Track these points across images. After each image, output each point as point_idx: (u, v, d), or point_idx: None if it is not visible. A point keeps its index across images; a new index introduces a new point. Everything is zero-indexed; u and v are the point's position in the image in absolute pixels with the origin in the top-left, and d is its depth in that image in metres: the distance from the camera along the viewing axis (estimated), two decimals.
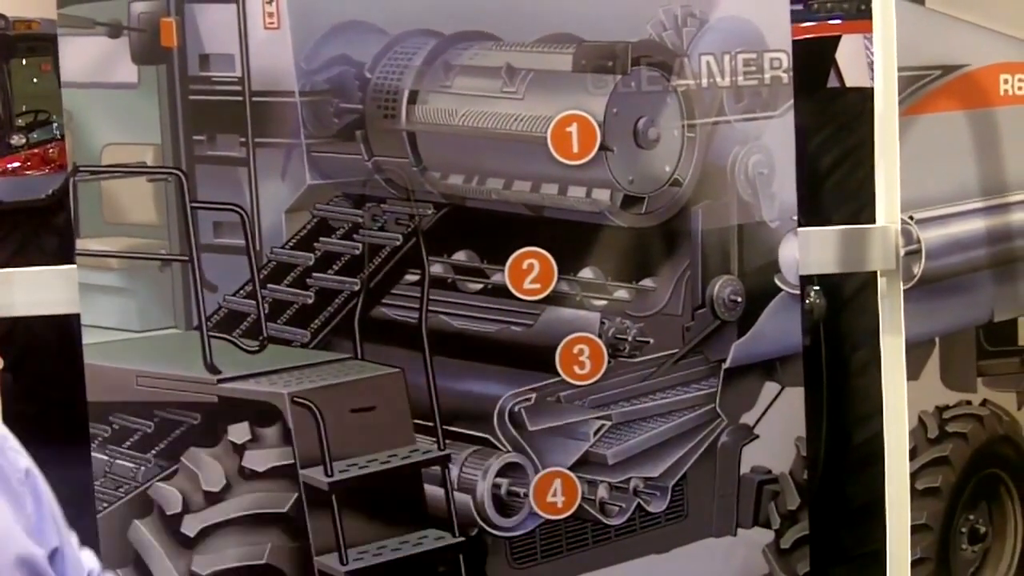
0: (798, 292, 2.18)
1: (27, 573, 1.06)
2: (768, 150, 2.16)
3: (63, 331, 4.13)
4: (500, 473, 2.09)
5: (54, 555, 1.13)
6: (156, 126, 2.03)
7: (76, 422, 2.40)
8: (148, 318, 2.05)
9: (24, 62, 5.49)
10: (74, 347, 4.18)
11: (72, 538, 1.18)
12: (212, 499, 2.03)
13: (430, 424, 2.09)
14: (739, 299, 2.15)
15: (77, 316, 2.05)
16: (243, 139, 2.03)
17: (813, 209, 2.74)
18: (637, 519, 2.15)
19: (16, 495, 1.11)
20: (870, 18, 2.32)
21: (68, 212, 4.98)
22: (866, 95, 2.94)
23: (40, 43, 5.22)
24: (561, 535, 2.13)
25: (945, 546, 2.40)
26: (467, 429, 2.10)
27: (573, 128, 2.05)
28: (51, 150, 4.92)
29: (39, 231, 4.96)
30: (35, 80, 5.56)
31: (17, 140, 5.34)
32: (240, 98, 2.03)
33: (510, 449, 2.09)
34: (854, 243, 2.25)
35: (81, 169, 2.03)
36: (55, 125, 5.32)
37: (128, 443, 2.04)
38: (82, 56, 2.03)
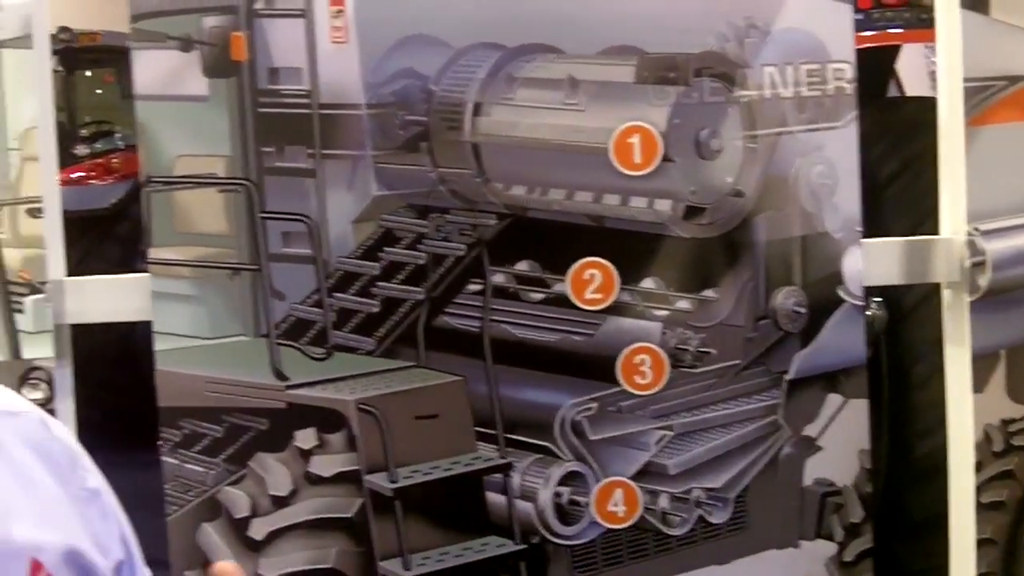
0: (862, 303, 2.17)
1: (76, 569, 1.09)
2: (831, 161, 2.16)
3: (124, 338, 4.21)
4: (561, 482, 2.11)
5: (120, 568, 1.16)
6: (226, 138, 2.07)
7: (137, 428, 2.45)
8: (218, 325, 2.09)
9: (88, 74, 5.60)
10: (134, 354, 4.26)
11: (139, 559, 1.21)
12: (279, 503, 2.07)
13: (492, 432, 2.11)
14: (802, 310, 2.15)
15: (139, 324, 2.10)
16: (311, 151, 2.07)
17: (872, 219, 2.73)
18: (698, 529, 2.16)
19: (81, 505, 1.14)
20: (931, 27, 2.31)
21: (131, 222, 5.08)
22: (927, 105, 2.93)
23: (104, 55, 5.32)
24: (622, 544, 2.14)
25: (1010, 561, 2.38)
26: (528, 437, 2.12)
27: (635, 139, 2.06)
28: (114, 160, 5.01)
29: (102, 240, 5.06)
30: (98, 91, 5.67)
31: (81, 150, 5.45)
32: (308, 111, 2.07)
33: (571, 458, 2.11)
34: (919, 255, 2.25)
35: (153, 180, 2.09)
36: (118, 136, 5.42)
37: (197, 447, 2.09)
38: (154, 69, 2.09)
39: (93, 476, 1.17)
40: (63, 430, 1.18)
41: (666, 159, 2.07)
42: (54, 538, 1.07)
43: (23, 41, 2.25)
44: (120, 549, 1.16)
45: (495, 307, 2.10)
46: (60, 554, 1.07)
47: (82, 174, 5.40)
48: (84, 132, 5.48)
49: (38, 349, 2.25)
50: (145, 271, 2.11)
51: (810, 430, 2.18)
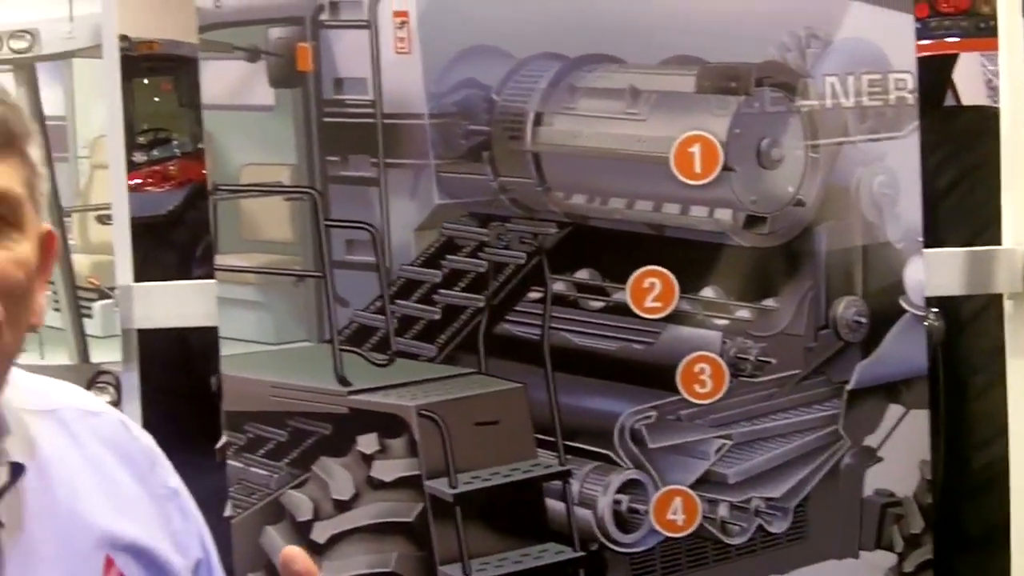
0: (923, 314, 2.16)
1: (148, 566, 1.11)
2: (893, 171, 2.15)
3: (182, 343, 4.27)
4: (621, 489, 2.12)
5: (198, 567, 1.19)
6: (292, 147, 2.11)
7: (202, 431, 2.49)
8: (283, 331, 2.13)
9: (145, 81, 5.69)
10: (192, 359, 4.31)
11: (216, 560, 1.24)
12: (341, 507, 2.10)
13: (551, 439, 2.12)
14: (863, 320, 2.15)
15: (197, 330, 2.13)
16: (374, 160, 2.09)
17: (933, 229, 2.72)
18: (758, 539, 2.16)
19: (160, 504, 1.17)
20: (990, 36, 2.30)
21: (187, 228, 5.15)
22: (986, 114, 2.91)
23: (161, 63, 5.41)
24: (681, 553, 2.14)
25: None
26: (588, 445, 2.13)
27: (696, 148, 2.07)
28: (171, 167, 5.10)
29: (159, 247, 5.14)
30: (156, 99, 5.76)
31: (138, 157, 5.55)
32: (372, 120, 2.09)
33: (631, 466, 2.12)
34: (980, 265, 2.23)
35: (220, 188, 2.12)
36: (174, 143, 5.51)
37: (262, 451, 2.12)
38: (222, 79, 2.12)
39: (172, 476, 1.20)
40: (142, 431, 1.22)
41: (727, 168, 2.08)
42: (128, 536, 1.11)
43: (91, 51, 2.30)
44: (199, 548, 1.19)
45: (555, 315, 2.12)
46: (133, 551, 1.10)
47: (139, 181, 5.49)
48: (142, 139, 5.58)
49: (106, 353, 2.29)
50: (211, 277, 2.14)
51: (871, 440, 2.18)
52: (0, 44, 2.27)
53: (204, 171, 5.71)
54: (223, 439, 2.67)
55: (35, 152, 0.97)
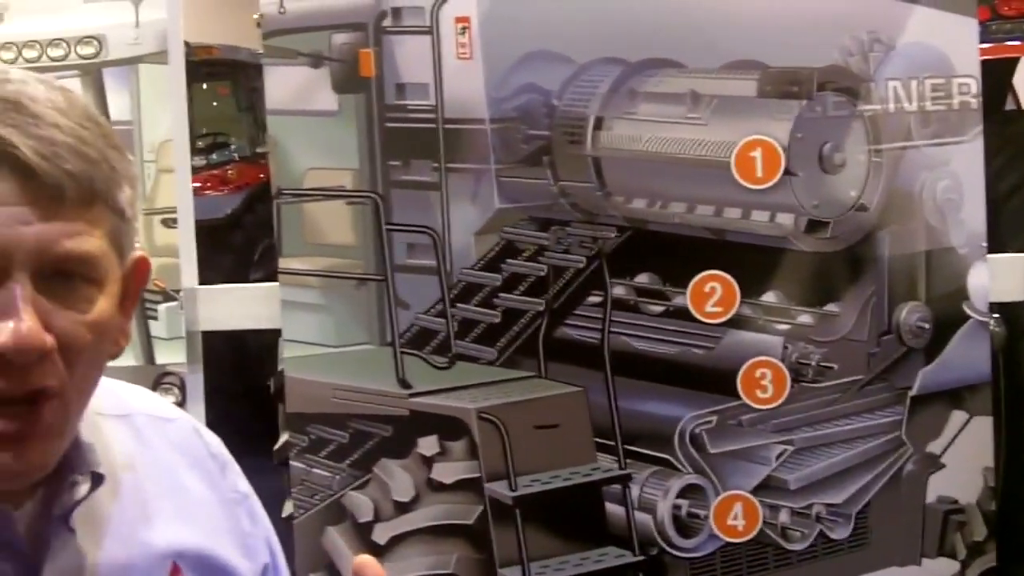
0: (987, 319, 2.14)
1: (211, 572, 1.12)
2: (956, 176, 2.14)
3: (239, 346, 4.31)
4: (681, 494, 2.11)
5: (265, 572, 1.19)
6: (355, 152, 2.13)
7: (254, 433, 2.52)
8: (344, 334, 2.15)
9: (204, 86, 5.75)
10: (248, 361, 4.35)
11: (283, 564, 1.25)
12: (402, 509, 2.11)
13: (611, 443, 2.12)
14: (926, 325, 2.13)
15: (254, 332, 2.15)
16: (436, 164, 2.11)
17: (998, 234, 2.69)
18: (819, 545, 2.14)
19: (229, 509, 1.18)
20: None
21: (244, 232, 5.19)
22: None
23: (219, 68, 5.46)
24: (741, 558, 2.14)
25: None
26: (648, 449, 2.13)
27: (757, 153, 2.07)
28: (229, 171, 5.15)
29: (217, 250, 5.20)
30: (214, 103, 5.82)
31: (197, 162, 5.61)
32: (433, 125, 2.11)
33: (691, 471, 2.12)
34: None
35: (284, 192, 2.15)
36: (233, 147, 5.56)
37: (324, 453, 2.14)
38: (286, 85, 2.15)
39: (242, 480, 1.21)
40: (213, 437, 1.23)
41: (788, 173, 2.07)
42: (196, 544, 1.11)
43: (155, 56, 2.34)
44: (266, 553, 1.20)
45: (615, 319, 2.12)
46: (200, 559, 1.11)
47: (198, 185, 5.56)
48: (200, 144, 5.64)
49: (168, 355, 2.33)
50: (268, 280, 2.17)
51: (933, 447, 2.16)
52: (68, 50, 2.31)
53: (262, 175, 5.78)
54: (281, 440, 2.71)
55: (124, 194, 0.95)
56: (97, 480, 1.02)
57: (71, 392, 0.94)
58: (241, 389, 3.92)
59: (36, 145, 0.89)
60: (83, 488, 1.01)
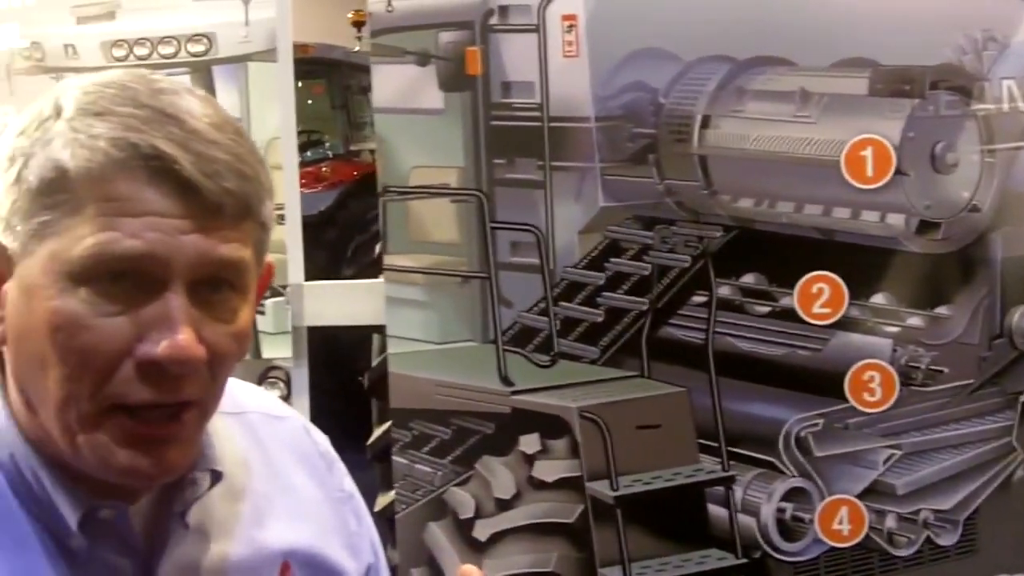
0: None
1: (319, 570, 1.13)
2: None
3: (332, 341, 4.36)
4: (785, 497, 2.09)
5: (368, 571, 1.20)
6: (460, 150, 2.14)
7: (348, 428, 2.54)
8: (448, 331, 2.16)
9: (299, 84, 5.81)
10: (341, 357, 4.39)
11: (385, 565, 1.26)
12: (503, 506, 2.12)
13: (714, 444, 2.11)
14: None
15: (347, 328, 2.17)
16: (540, 163, 2.11)
17: None
18: (926, 551, 2.11)
19: (336, 507, 1.19)
20: None
21: (337, 228, 5.24)
22: None
23: (314, 67, 5.51)
24: (846, 563, 2.11)
25: None
26: (752, 451, 2.11)
27: (868, 152, 2.03)
28: (323, 169, 5.20)
29: (310, 246, 5.25)
30: (309, 102, 5.87)
31: None
32: (539, 123, 2.11)
33: (795, 474, 2.09)
34: None
35: (390, 189, 2.16)
36: (327, 145, 5.61)
37: (426, 449, 2.15)
38: (393, 83, 2.16)
39: (348, 479, 1.22)
40: (321, 435, 1.24)
41: (899, 172, 2.03)
42: (305, 542, 1.13)
43: (263, 55, 2.37)
44: (370, 552, 1.21)
45: (720, 319, 2.10)
46: (309, 557, 1.13)
47: None
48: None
49: (271, 349, 2.36)
50: (361, 276, 2.18)
51: None
52: (178, 47, 2.35)
53: (355, 172, 5.82)
54: (375, 435, 2.73)
55: (268, 207, 0.98)
56: (216, 477, 1.03)
57: (211, 401, 0.97)
58: (334, 384, 3.96)
59: (197, 162, 0.91)
60: (203, 485, 1.03)
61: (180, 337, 0.90)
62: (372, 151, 5.91)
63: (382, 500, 2.43)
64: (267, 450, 1.16)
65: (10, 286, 0.94)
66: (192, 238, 0.91)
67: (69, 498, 0.95)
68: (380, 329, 2.52)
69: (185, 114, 0.93)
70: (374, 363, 2.68)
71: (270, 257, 1.03)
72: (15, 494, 0.96)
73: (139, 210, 0.90)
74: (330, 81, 5.64)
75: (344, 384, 3.91)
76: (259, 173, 0.96)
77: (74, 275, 0.90)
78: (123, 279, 0.90)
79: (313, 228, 5.28)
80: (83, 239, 0.89)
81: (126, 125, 0.91)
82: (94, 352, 0.90)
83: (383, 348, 2.58)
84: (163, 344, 0.89)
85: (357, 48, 5.78)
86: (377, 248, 2.97)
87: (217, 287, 0.93)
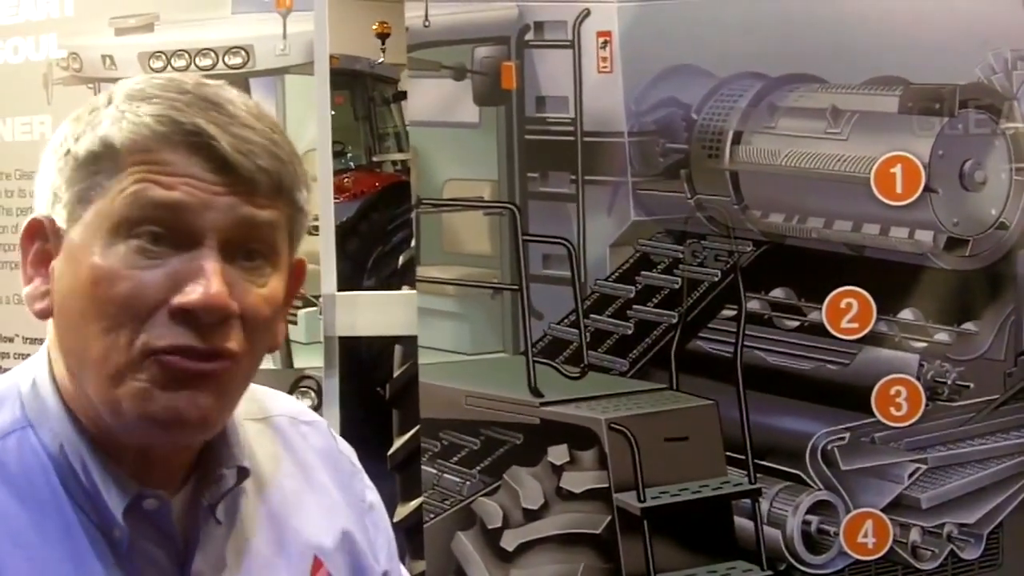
0: None
1: (352, 568, 1.17)
2: None
3: (351, 351, 4.37)
4: (811, 510, 2.11)
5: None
6: (494, 163, 2.16)
7: (366, 437, 2.56)
8: (479, 342, 2.18)
9: None
10: (359, 367, 4.39)
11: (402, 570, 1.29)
12: (530, 516, 2.14)
13: (741, 457, 2.13)
14: None
15: (363, 338, 2.17)
16: (573, 177, 2.14)
17: None
18: (949, 565, 2.12)
19: (358, 513, 1.22)
20: None
21: (359, 239, 5.26)
22: None
23: (338, 78, 5.53)
24: None
25: None
26: (779, 464, 2.13)
27: (897, 169, 2.06)
28: (345, 180, 5.21)
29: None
30: (332, 112, 5.89)
31: None
32: (572, 138, 2.14)
33: (821, 487, 2.11)
34: None
35: (424, 202, 2.19)
36: (349, 156, 5.63)
37: (455, 458, 2.18)
38: (428, 97, 2.19)
39: (371, 491, 1.25)
40: (347, 446, 1.27)
41: (929, 190, 2.06)
42: (335, 539, 1.16)
43: (300, 68, 2.40)
44: (387, 562, 1.24)
45: (749, 333, 2.12)
46: (339, 554, 1.15)
47: None
48: None
49: (307, 359, 2.38)
50: (386, 288, 2.21)
51: None
52: (216, 59, 2.38)
53: (377, 183, 5.82)
54: (395, 445, 2.75)
55: (303, 194, 1.03)
56: (243, 473, 1.07)
57: (245, 361, 1.00)
58: (353, 394, 3.98)
59: (233, 141, 0.96)
60: (230, 480, 1.06)
61: (212, 287, 0.94)
62: (394, 163, 5.95)
63: (402, 510, 2.45)
64: (296, 451, 1.19)
65: (57, 262, 0.99)
66: (226, 199, 0.96)
67: (115, 488, 0.99)
68: (402, 340, 2.55)
69: (226, 102, 0.99)
70: (396, 373, 2.71)
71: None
72: (63, 484, 0.99)
73: (178, 172, 0.95)
74: (353, 92, 5.66)
75: (363, 394, 3.93)
76: (293, 160, 1.01)
77: (114, 228, 0.95)
78: (162, 239, 0.95)
79: (335, 239, 5.32)
80: (123, 191, 0.95)
81: (170, 105, 0.96)
82: (131, 301, 0.94)
83: (405, 358, 2.61)
84: (197, 292, 0.94)
85: (381, 60, 5.81)
86: (401, 259, 3.00)
87: (250, 255, 0.98)
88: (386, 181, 5.44)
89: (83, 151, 0.97)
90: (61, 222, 0.98)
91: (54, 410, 1.01)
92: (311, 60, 2.27)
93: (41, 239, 1.00)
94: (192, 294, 0.94)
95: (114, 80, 2.54)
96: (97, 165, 0.96)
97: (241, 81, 2.35)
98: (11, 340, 2.61)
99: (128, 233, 0.94)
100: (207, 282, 0.94)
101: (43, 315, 1.01)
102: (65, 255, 0.98)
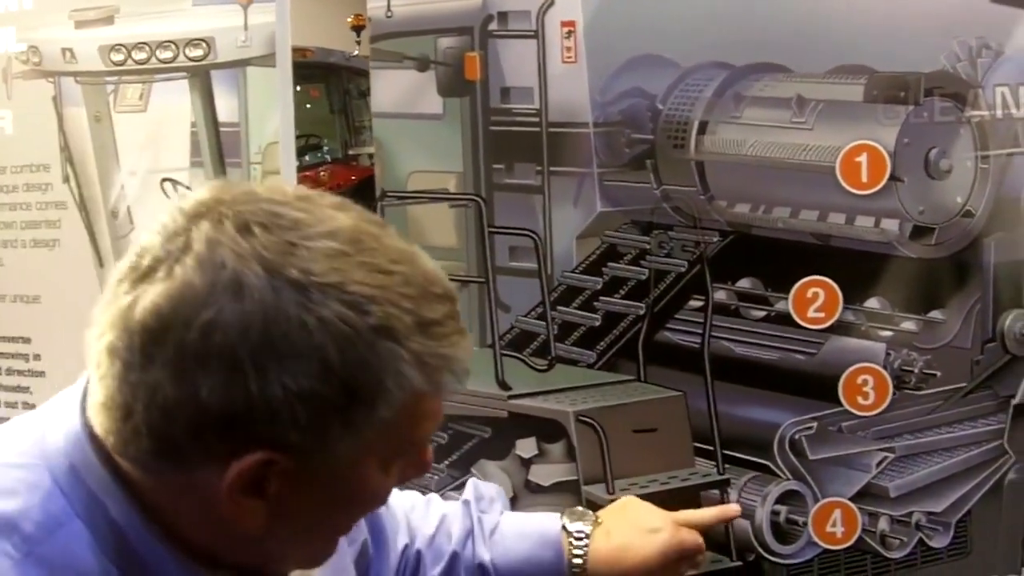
0: None
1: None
2: None
3: None
4: (779, 500, 2.11)
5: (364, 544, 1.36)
6: (459, 155, 2.15)
7: None
8: None
9: (297, 88, 5.79)
10: None
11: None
12: None
13: (710, 448, 2.12)
14: None
15: None
16: (539, 168, 2.13)
17: None
18: (918, 553, 2.13)
19: None
20: None
21: None
22: None
23: (312, 71, 5.50)
24: (839, 565, 2.13)
25: None
26: (746, 455, 2.13)
27: (863, 158, 2.05)
28: (322, 173, 5.18)
29: None
30: (307, 106, 5.86)
31: None
32: (537, 129, 2.13)
33: (789, 477, 2.11)
34: None
35: (388, 194, 2.18)
36: (325, 149, 5.60)
37: None
38: (392, 88, 2.18)
39: None
40: None
41: (894, 178, 2.05)
42: None
43: (262, 60, 2.38)
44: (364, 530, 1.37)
45: (716, 324, 2.12)
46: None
47: None
48: None
49: None
50: None
51: None
52: (177, 52, 2.36)
53: (353, 177, 5.82)
54: None
55: None
56: None
57: None
58: None
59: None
60: None
61: None
62: (370, 155, 5.92)
63: None
64: None
65: None
66: None
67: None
68: None
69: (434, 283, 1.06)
70: None
71: None
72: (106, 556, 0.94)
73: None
74: (328, 85, 5.63)
75: None
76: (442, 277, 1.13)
77: None
78: None
79: None
80: None
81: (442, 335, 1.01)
82: None
83: None
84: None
85: (356, 52, 5.77)
86: None
87: None
88: (362, 174, 5.42)
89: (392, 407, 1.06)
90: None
91: (104, 481, 0.95)
92: (273, 52, 2.24)
93: None
94: None
95: (74, 74, 2.51)
96: None
97: (203, 73, 2.33)
98: None
99: None
100: None
101: None
102: None
